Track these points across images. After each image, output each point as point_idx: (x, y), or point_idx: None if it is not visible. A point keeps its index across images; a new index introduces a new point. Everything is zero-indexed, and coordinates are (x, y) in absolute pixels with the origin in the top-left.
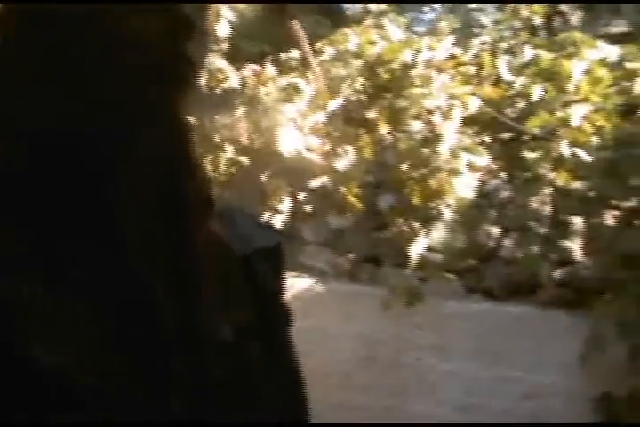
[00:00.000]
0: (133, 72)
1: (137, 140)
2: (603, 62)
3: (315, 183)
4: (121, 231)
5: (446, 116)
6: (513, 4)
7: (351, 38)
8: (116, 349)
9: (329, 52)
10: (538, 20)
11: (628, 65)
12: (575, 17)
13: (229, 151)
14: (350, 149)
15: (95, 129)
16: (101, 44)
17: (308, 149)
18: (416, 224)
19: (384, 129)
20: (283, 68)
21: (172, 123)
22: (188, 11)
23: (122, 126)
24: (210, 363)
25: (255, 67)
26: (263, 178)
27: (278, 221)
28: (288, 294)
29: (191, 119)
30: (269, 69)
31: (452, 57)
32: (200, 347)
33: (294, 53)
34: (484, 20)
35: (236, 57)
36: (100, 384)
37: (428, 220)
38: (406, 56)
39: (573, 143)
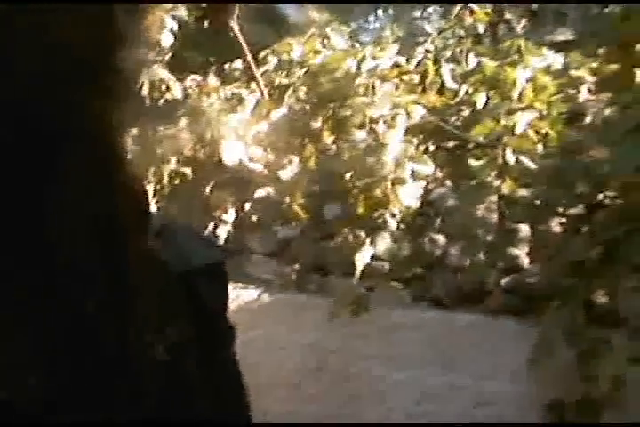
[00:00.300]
0: (61, 85)
1: (67, 156)
2: (547, 70)
3: (260, 194)
4: (50, 247)
5: (390, 124)
6: (457, 12)
7: (295, 48)
8: (44, 364)
9: (272, 61)
10: (482, 28)
11: (573, 72)
12: (520, 25)
13: (173, 163)
14: (295, 158)
15: (23, 144)
16: (27, 56)
17: (252, 160)
18: (362, 233)
19: (328, 138)
20: (226, 79)
21: (104, 137)
22: (121, 20)
23: (51, 141)
24: (141, 380)
25: (198, 77)
26: (207, 189)
27: (223, 233)
28: (235, 306)
29: (130, 131)
30: (212, 80)
31: (396, 66)
32: (131, 364)
33: (237, 63)
34: (429, 28)
35: (178, 67)
36: (25, 399)
37: (374, 229)
38: (350, 65)
39: (518, 151)
